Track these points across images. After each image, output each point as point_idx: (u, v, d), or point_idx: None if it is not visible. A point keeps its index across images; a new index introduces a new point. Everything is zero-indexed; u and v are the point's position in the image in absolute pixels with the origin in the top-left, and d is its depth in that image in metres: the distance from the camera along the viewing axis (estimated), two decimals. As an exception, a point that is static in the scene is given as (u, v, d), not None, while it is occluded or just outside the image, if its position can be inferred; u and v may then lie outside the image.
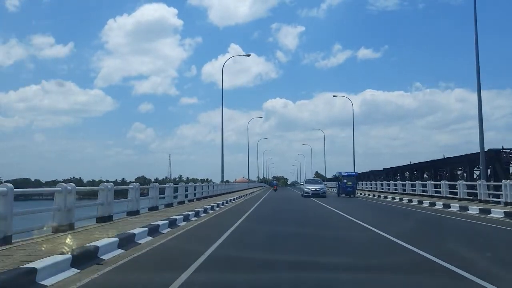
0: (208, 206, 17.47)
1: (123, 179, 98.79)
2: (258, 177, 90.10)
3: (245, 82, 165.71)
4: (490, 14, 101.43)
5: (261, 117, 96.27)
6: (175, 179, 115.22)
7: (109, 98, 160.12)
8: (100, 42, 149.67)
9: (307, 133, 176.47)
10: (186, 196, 21.56)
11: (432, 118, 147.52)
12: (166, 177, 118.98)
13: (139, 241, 8.47)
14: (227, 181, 40.30)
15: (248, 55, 49.22)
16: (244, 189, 46.35)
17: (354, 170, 43.05)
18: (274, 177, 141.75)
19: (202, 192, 26.28)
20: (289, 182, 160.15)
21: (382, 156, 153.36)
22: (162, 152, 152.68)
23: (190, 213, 14.15)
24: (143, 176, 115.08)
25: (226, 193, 33.41)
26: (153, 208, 15.78)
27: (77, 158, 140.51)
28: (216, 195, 29.26)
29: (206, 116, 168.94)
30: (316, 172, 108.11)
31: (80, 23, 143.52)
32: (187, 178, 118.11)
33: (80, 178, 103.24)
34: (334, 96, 53.46)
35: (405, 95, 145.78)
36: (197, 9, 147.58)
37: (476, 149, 23.50)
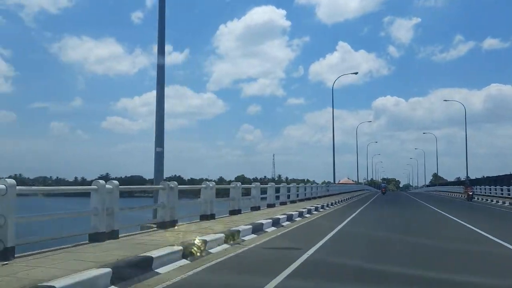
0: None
1: (220, 177, 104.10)
2: (366, 178, 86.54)
3: (354, 80, 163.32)
4: None
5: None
6: (273, 178, 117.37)
7: (221, 101, 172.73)
8: (212, 47, 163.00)
9: (421, 133, 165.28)
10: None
11: None
12: (265, 177, 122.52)
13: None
14: (328, 183, 39.08)
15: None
16: (349, 192, 44.41)
17: (467, 174, 43.46)
18: (383, 179, 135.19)
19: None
20: (401, 185, 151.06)
21: (509, 157, 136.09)
22: (268, 153, 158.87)
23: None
24: (243, 175, 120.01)
25: (329, 195, 32.31)
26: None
27: (191, 158, 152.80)
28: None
29: (312, 117, 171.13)
30: (435, 175, 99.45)
31: (194, 30, 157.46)
32: (286, 178, 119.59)
33: (179, 176, 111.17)
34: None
35: None
36: (305, 8, 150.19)
37: None
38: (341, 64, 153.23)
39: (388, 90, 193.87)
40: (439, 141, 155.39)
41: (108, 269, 4.97)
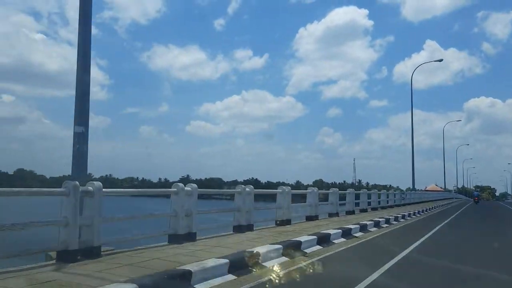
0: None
1: (297, 181, 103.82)
2: (456, 185, 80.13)
3: (443, 81, 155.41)
4: None
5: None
6: (353, 184, 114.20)
7: (300, 104, 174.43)
8: (292, 51, 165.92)
9: None
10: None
11: None
12: (344, 182, 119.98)
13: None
14: (414, 189, 36.72)
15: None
16: (436, 200, 41.45)
17: None
18: (476, 187, 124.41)
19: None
20: (497, 193, 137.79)
21: None
22: (349, 157, 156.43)
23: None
24: (321, 179, 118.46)
25: (413, 203, 30.51)
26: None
27: (270, 160, 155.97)
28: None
29: (396, 119, 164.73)
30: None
31: (274, 35, 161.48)
32: (367, 183, 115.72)
33: (256, 179, 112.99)
34: None
35: None
36: (388, 6, 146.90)
37: None
38: (429, 64, 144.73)
39: (482, 91, 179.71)
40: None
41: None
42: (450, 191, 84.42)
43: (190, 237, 7.92)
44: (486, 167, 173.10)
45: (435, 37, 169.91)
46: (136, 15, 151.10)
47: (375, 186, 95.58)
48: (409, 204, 29.59)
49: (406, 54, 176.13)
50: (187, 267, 5.30)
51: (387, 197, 25.12)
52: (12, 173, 78.79)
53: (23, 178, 71.86)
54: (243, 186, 10.03)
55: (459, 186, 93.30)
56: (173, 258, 6.04)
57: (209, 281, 5.30)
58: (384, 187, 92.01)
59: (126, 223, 7.57)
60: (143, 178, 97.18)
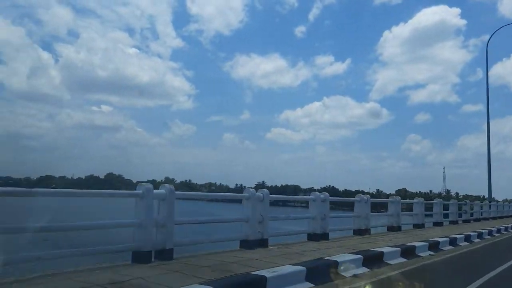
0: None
1: (378, 190, 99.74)
2: None
3: None
4: None
5: None
6: (440, 194, 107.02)
7: (384, 110, 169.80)
8: (375, 55, 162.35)
9: None
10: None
11: None
12: (431, 191, 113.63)
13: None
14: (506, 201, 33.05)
15: None
16: None
17: None
18: None
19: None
20: None
21: None
22: (438, 165, 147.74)
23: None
24: (404, 188, 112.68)
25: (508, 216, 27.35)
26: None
27: (351, 168, 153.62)
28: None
29: (493, 125, 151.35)
30: None
31: (356, 39, 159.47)
32: (457, 193, 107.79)
33: (333, 186, 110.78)
34: None
35: None
36: (483, 3, 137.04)
37: None
38: None
39: None
40: None
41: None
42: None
43: (262, 243, 7.86)
44: None
45: None
46: (220, 26, 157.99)
47: (466, 197, 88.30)
48: (506, 217, 26.89)
49: (504, 54, 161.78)
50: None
51: (481, 209, 23.24)
52: (103, 177, 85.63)
53: (111, 182, 77.49)
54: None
55: None
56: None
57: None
58: (477, 197, 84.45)
59: (198, 227, 7.66)
60: (220, 183, 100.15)
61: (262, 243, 7.84)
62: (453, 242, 11.33)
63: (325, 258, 6.63)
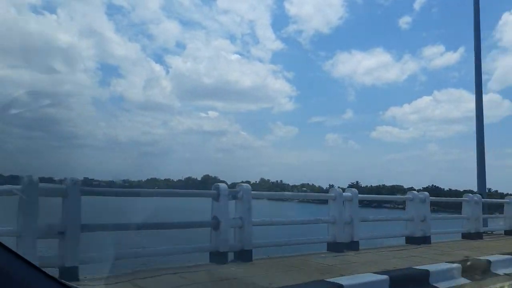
0: None
1: (489, 189, 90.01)
2: None
3: None
4: None
5: None
6: None
7: (507, 101, 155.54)
8: (493, 41, 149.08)
9: None
10: None
11: None
12: None
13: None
14: None
15: None
16: None
17: None
18: None
19: None
20: None
21: None
22: None
23: None
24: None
25: None
26: None
27: (469, 168, 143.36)
28: None
29: None
30: None
31: (469, 25, 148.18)
32: None
33: (436, 186, 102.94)
34: None
35: None
36: None
37: None
38: None
39: None
40: None
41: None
42: None
43: (352, 246, 7.51)
44: None
45: None
46: (319, 25, 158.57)
47: None
48: None
49: None
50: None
51: None
52: (199, 179, 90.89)
53: (206, 183, 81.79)
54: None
55: None
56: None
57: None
58: None
59: (278, 228, 7.55)
60: (313, 184, 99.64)
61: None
62: None
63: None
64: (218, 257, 5.89)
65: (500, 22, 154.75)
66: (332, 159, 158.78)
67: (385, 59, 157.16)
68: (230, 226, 6.08)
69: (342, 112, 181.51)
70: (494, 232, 11.73)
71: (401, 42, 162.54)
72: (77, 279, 4.50)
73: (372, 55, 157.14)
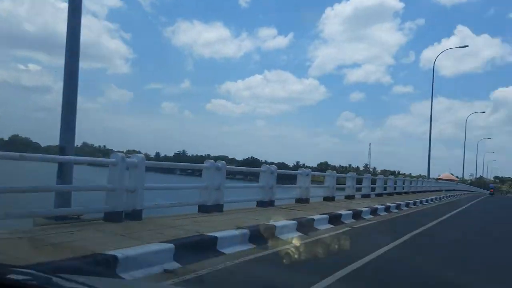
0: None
1: (296, 163, 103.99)
2: (473, 175, 78.64)
3: (472, 68, 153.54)
4: None
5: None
6: (357, 168, 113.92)
7: (323, 87, 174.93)
8: (317, 31, 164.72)
9: None
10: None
11: None
12: (349, 165, 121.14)
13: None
14: (428, 178, 35.21)
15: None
16: (449, 190, 41.25)
17: None
18: (495, 178, 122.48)
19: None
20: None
21: None
22: (368, 142, 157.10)
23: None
24: (326, 161, 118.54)
25: (423, 192, 29.90)
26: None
27: (289, 144, 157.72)
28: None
29: (420, 106, 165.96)
30: None
31: (300, 14, 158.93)
32: (374, 168, 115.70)
33: (255, 158, 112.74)
34: None
35: None
36: None
37: None
38: (458, 50, 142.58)
39: None
40: None
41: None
42: (466, 180, 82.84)
43: (218, 208, 9.14)
44: (510, 158, 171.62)
45: (467, 22, 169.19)
46: None
47: (384, 172, 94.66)
48: (419, 192, 29.22)
49: (435, 39, 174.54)
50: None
51: (395, 184, 25.13)
52: (7, 139, 79.49)
53: (15, 144, 72.78)
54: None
55: (477, 176, 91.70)
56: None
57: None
58: (393, 173, 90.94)
59: (162, 193, 9.25)
60: (139, 151, 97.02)
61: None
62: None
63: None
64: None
65: (324, 16, 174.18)
66: (166, 128, 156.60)
67: (225, 34, 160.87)
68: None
69: (180, 82, 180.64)
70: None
71: (240, 20, 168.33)
72: None
73: (212, 28, 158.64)
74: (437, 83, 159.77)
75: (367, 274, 5.71)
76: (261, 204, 11.00)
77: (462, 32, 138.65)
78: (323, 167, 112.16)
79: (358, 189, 18.43)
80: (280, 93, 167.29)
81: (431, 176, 38.91)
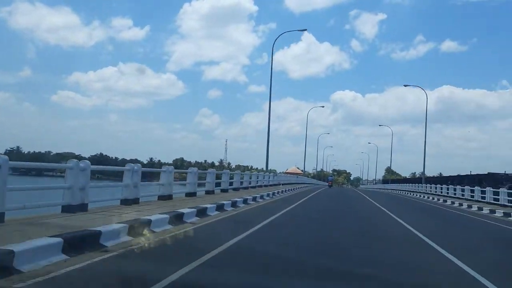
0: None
1: (150, 159, 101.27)
2: (315, 169, 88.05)
3: (316, 72, 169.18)
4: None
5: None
6: (213, 163, 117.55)
7: (180, 82, 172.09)
8: (175, 26, 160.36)
9: (375, 128, 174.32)
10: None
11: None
12: (205, 161, 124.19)
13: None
14: (269, 171, 37.84)
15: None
16: (293, 183, 44.61)
17: (424, 171, 46.18)
18: (334, 171, 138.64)
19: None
20: (352, 178, 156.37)
21: (455, 158, 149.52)
22: (224, 139, 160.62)
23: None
24: (182, 158, 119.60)
25: (270, 185, 32.06)
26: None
27: (146, 139, 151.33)
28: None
29: (272, 105, 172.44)
30: (388, 169, 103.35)
31: (157, 6, 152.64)
32: (229, 163, 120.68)
33: (105, 155, 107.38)
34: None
35: (488, 93, 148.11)
36: None
37: None
38: (305, 55, 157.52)
39: (347, 84, 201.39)
40: (389, 137, 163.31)
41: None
42: (309, 174, 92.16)
43: (83, 207, 9.20)
44: (346, 154, 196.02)
45: (313, 30, 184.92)
46: None
47: (238, 167, 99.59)
48: (265, 186, 30.81)
49: (285, 43, 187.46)
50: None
51: (242, 178, 25.44)
52: None
53: None
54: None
55: (318, 170, 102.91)
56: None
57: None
58: (247, 168, 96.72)
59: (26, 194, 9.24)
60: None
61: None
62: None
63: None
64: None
65: (181, 10, 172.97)
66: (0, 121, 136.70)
67: (73, 20, 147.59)
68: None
69: (19, 69, 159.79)
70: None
71: (91, 6, 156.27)
72: None
73: (59, 12, 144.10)
74: (286, 84, 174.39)
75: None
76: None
77: (308, 39, 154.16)
78: (179, 163, 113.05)
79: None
80: (136, 87, 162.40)
81: (280, 170, 42.60)
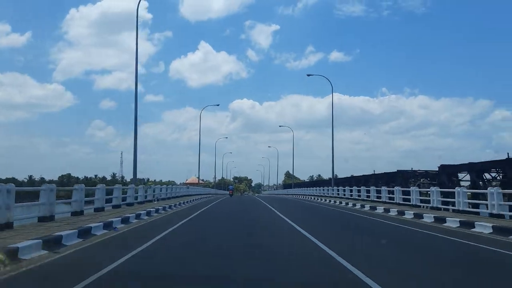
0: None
1: (29, 177, 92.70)
2: (215, 177, 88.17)
3: (215, 81, 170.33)
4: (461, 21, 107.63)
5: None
6: (104, 178, 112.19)
7: (69, 93, 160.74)
8: (60, 33, 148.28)
9: (273, 135, 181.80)
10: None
11: (395, 123, 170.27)
12: (96, 176, 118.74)
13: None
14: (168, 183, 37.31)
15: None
16: (192, 195, 43.50)
17: (333, 173, 45.50)
18: (235, 178, 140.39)
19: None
20: (253, 184, 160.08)
21: (350, 161, 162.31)
22: (121, 151, 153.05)
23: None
24: (69, 174, 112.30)
25: (168, 198, 31.19)
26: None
27: (31, 155, 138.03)
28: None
29: (170, 115, 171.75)
30: (287, 173, 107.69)
31: (39, 11, 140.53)
32: (122, 177, 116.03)
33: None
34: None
35: (371, 100, 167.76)
36: (168, 1, 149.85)
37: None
38: (203, 64, 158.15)
39: (245, 93, 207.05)
40: (287, 143, 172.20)
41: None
42: (210, 182, 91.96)
43: None
44: (246, 161, 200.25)
45: (209, 39, 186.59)
46: None
47: (132, 182, 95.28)
48: (163, 199, 29.73)
49: (182, 52, 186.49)
50: None
51: (137, 193, 24.17)
52: None
53: None
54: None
55: (219, 178, 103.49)
56: None
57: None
58: (141, 181, 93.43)
59: None
60: None
61: None
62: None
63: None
64: None
65: (68, 16, 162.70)
66: None
67: None
68: None
69: None
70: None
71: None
72: None
73: None
74: (186, 93, 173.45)
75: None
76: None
77: (205, 48, 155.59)
78: (65, 179, 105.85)
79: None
80: (16, 99, 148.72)
81: (181, 181, 41.48)
